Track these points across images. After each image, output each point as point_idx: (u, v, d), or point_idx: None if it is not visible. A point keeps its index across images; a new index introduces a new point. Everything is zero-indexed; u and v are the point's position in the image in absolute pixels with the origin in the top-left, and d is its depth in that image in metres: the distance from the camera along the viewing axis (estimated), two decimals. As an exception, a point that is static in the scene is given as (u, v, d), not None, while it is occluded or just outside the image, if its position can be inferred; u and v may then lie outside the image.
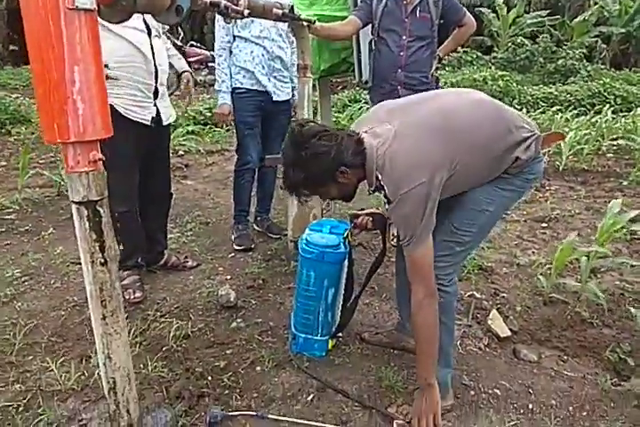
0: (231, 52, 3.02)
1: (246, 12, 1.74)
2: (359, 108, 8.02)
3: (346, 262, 2.02)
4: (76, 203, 1.29)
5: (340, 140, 1.60)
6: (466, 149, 1.60)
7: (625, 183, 4.92)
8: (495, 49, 15.26)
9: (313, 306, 2.02)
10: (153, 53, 2.28)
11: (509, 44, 14.95)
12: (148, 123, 2.34)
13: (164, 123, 2.44)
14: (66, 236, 3.28)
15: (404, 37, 2.90)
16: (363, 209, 2.12)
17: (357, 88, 8.89)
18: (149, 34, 2.28)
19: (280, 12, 2.20)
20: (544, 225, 3.73)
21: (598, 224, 3.53)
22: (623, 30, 16.49)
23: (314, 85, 3.75)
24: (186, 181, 4.81)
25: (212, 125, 7.10)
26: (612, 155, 6.22)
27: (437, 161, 1.56)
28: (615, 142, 6.43)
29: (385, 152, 1.58)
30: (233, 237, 3.21)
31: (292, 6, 2.29)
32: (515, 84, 9.95)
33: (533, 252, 3.23)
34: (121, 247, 2.54)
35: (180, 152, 5.86)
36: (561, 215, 3.92)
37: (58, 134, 1.20)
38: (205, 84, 8.45)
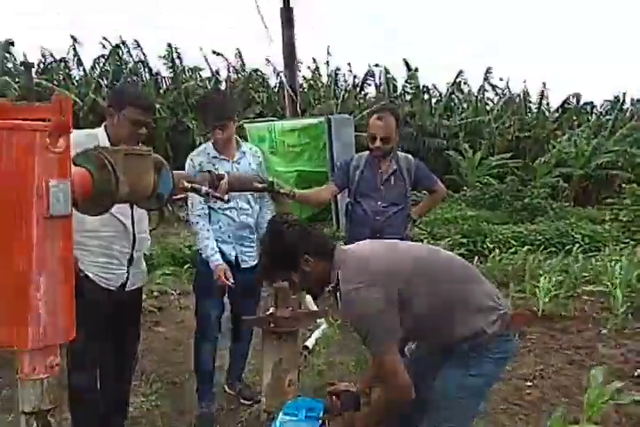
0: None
1: (226, 197, 1.80)
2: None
3: None
4: (25, 413, 1.17)
5: (309, 232, 1.79)
6: (429, 274, 1.69)
7: (604, 331, 4.88)
8: (464, 188, 16.12)
9: None
10: (133, 222, 2.30)
11: (477, 184, 15.86)
12: (115, 289, 2.29)
13: (129, 288, 2.38)
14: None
15: (380, 203, 3.04)
16: (334, 384, 2.02)
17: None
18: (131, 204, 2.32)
19: (260, 186, 2.28)
20: (529, 384, 3.58)
21: (583, 382, 3.41)
22: (581, 171, 17.77)
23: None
24: (157, 327, 4.63)
25: (192, 265, 7.07)
26: (586, 297, 6.27)
27: (397, 269, 1.64)
28: (589, 285, 6.52)
29: (349, 253, 1.73)
30: (197, 412, 2.97)
31: (273, 181, 2.39)
32: (485, 223, 10.33)
33: (521, 418, 3.04)
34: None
35: (156, 293, 5.73)
36: (545, 371, 3.79)
37: (15, 341, 1.13)
38: (187, 221, 8.59)
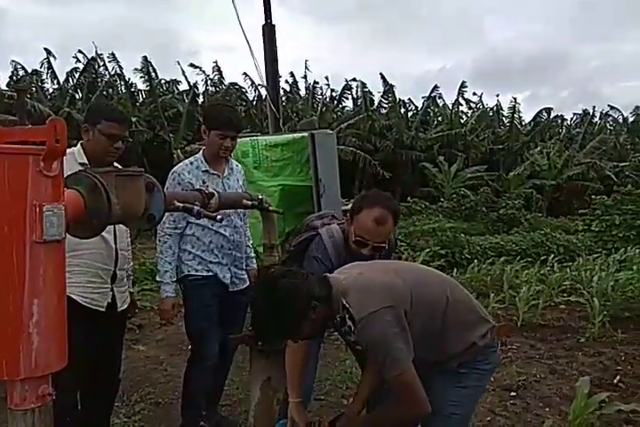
0: (181, 236, 2.74)
1: (219, 216, 1.78)
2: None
3: None
4: (16, 444, 1.14)
5: (306, 276, 1.68)
6: (423, 295, 1.69)
7: (582, 340, 4.96)
8: (441, 199, 16.34)
9: None
10: (115, 238, 2.28)
11: (453, 196, 16.08)
12: (103, 309, 2.25)
13: (119, 309, 2.35)
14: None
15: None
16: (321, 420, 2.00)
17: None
18: None
19: (249, 203, 2.26)
20: (513, 394, 3.61)
21: (565, 390, 3.44)
22: (554, 182, 18.19)
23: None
24: (137, 346, 4.55)
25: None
26: (564, 306, 6.38)
27: (400, 291, 1.65)
28: (566, 294, 6.64)
29: (349, 281, 1.68)
30: None
31: (262, 199, 2.33)
32: (462, 235, 10.47)
33: (507, 429, 3.07)
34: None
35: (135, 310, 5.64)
36: (528, 381, 3.83)
37: (5, 371, 1.10)
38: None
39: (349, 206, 2.43)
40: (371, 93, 21.02)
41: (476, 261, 8.67)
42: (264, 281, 1.68)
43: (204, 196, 1.95)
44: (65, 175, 1.23)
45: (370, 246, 2.16)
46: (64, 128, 1.19)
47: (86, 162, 2.27)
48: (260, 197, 2.40)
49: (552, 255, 9.11)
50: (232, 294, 2.83)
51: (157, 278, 2.75)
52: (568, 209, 17.80)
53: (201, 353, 2.76)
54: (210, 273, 2.76)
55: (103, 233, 2.18)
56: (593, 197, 12.53)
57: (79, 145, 2.31)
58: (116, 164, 2.43)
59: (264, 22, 4.97)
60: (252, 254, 3.07)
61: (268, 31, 4.98)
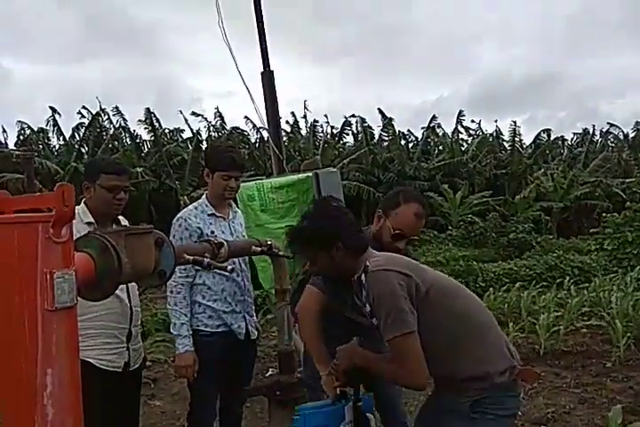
0: (191, 286, 2.64)
1: (229, 267, 1.78)
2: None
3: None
4: None
5: (352, 225, 1.85)
6: (447, 290, 1.77)
7: (609, 365, 4.84)
8: (449, 227, 16.28)
9: None
10: (129, 295, 2.27)
11: (461, 223, 16.03)
12: (120, 370, 2.22)
13: (133, 367, 2.31)
14: None
15: None
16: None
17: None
18: None
19: (259, 249, 2.24)
20: (543, 428, 3.50)
21: (597, 420, 3.33)
22: (561, 203, 18.12)
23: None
24: (153, 401, 4.46)
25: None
26: (586, 330, 6.24)
27: (423, 273, 1.74)
28: (586, 318, 6.52)
29: (381, 254, 1.81)
30: None
31: (271, 245, 2.30)
32: (475, 263, 10.38)
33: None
34: None
35: (148, 363, 5.56)
36: (557, 413, 3.72)
37: (21, 445, 1.08)
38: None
39: (381, 204, 2.57)
40: (370, 128, 21.33)
41: (491, 288, 8.56)
42: (323, 205, 1.89)
43: (213, 246, 1.95)
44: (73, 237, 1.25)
45: (406, 239, 2.32)
46: (72, 193, 1.21)
47: (92, 220, 2.28)
48: (269, 242, 2.37)
49: (567, 278, 8.99)
50: (244, 342, 2.75)
51: (174, 332, 2.63)
52: (578, 229, 17.67)
53: (201, 414, 2.66)
54: (219, 329, 2.67)
55: (117, 291, 2.18)
56: (603, 215, 12.45)
57: (82, 204, 2.33)
58: (121, 218, 2.46)
59: (263, 70, 5.10)
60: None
61: (267, 78, 5.10)
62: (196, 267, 2.65)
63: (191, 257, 1.72)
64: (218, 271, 2.61)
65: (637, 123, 24.44)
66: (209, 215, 2.75)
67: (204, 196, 2.86)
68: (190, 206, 2.82)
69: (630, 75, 43.01)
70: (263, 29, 5.16)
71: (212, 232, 2.65)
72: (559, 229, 18.04)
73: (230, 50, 4.94)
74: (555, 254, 10.68)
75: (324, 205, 1.91)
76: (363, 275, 1.74)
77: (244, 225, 3.08)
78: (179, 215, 2.75)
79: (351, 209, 2.67)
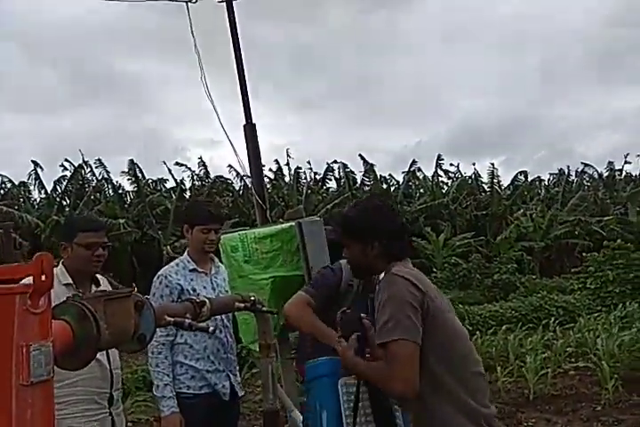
0: (173, 346, 2.60)
1: (211, 328, 1.78)
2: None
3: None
4: None
5: (399, 232, 1.86)
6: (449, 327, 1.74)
7: (598, 408, 4.80)
8: (434, 269, 16.31)
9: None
10: (108, 358, 2.23)
11: (445, 265, 16.08)
12: None
13: None
14: None
15: None
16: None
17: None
18: None
19: (242, 305, 2.23)
20: (536, 478, 3.43)
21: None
22: (542, 243, 18.34)
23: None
24: (136, 463, 4.29)
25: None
26: (574, 372, 6.21)
27: (432, 291, 1.73)
28: (574, 359, 6.50)
29: (410, 268, 1.80)
30: None
31: (254, 300, 2.29)
32: (461, 305, 10.36)
33: None
34: None
35: (129, 424, 5.36)
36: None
37: None
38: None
39: None
40: (352, 173, 21.69)
41: (478, 332, 8.52)
42: (380, 202, 1.92)
43: (195, 305, 1.94)
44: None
45: None
46: (51, 262, 1.22)
47: (70, 281, 2.26)
48: (252, 297, 2.37)
49: (553, 318, 9.00)
50: (228, 402, 2.69)
51: (157, 394, 2.55)
52: (560, 268, 17.81)
53: None
54: (202, 390, 2.62)
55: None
56: (584, 254, 12.61)
57: (60, 265, 2.31)
58: (100, 277, 2.44)
59: (245, 122, 5.24)
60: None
61: (250, 130, 5.24)
62: (178, 327, 2.66)
63: (172, 319, 1.72)
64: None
65: (610, 163, 25.22)
66: (190, 271, 2.75)
67: (185, 252, 2.87)
68: (172, 263, 2.82)
69: (600, 116, 44.75)
70: (245, 83, 5.34)
71: (194, 290, 2.64)
72: (542, 268, 18.18)
73: (213, 105, 5.08)
74: (539, 295, 10.73)
75: (377, 203, 1.92)
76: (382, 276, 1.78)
77: (228, 279, 3.08)
78: (159, 273, 2.74)
79: (337, 256, 2.72)
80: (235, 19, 5.02)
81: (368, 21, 43.74)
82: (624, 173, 25.61)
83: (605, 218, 19.70)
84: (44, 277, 1.19)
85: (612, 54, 47.49)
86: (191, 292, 2.59)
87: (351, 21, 42.58)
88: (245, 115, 5.24)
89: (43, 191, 17.38)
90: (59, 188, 17.14)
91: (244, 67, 5.19)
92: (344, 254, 2.00)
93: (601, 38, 47.74)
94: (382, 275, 1.79)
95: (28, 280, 1.18)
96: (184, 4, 4.92)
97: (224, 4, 4.98)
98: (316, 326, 2.25)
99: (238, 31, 5.06)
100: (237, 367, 2.89)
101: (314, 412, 1.98)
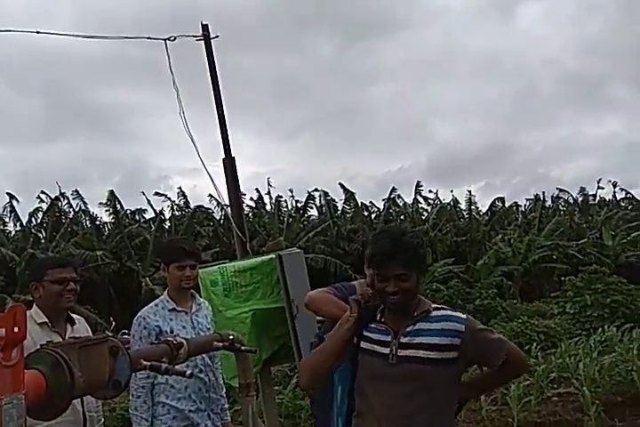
0: (154, 386, 2.61)
1: (188, 372, 1.76)
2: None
3: None
4: None
5: None
6: None
7: (583, 437, 4.79)
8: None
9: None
10: (82, 400, 2.18)
11: (427, 291, 16.13)
12: None
13: None
14: None
15: None
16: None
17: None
18: None
19: (221, 344, 2.22)
20: None
21: None
22: (521, 267, 18.55)
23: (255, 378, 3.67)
24: None
25: None
26: (557, 399, 6.21)
27: None
28: (556, 385, 6.51)
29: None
30: None
31: (233, 339, 2.29)
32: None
33: None
34: None
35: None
36: None
37: None
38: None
39: None
40: (334, 201, 21.84)
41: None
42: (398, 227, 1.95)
43: (172, 347, 1.93)
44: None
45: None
46: (24, 314, 1.23)
47: (45, 320, 2.28)
48: (231, 336, 2.36)
49: (534, 344, 9.04)
50: None
51: None
52: (540, 292, 17.99)
53: None
54: None
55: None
56: (562, 278, 12.76)
57: (34, 306, 2.33)
58: (75, 316, 2.44)
59: (224, 156, 5.26)
60: (226, 405, 2.94)
61: (229, 164, 5.25)
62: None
63: (148, 363, 1.71)
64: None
65: (582, 188, 25.82)
66: (169, 311, 2.75)
67: (165, 292, 2.88)
68: (151, 304, 2.84)
69: (575, 142, 46.14)
70: (224, 119, 5.38)
71: (172, 330, 2.63)
72: (522, 292, 18.32)
73: (193, 141, 5.10)
74: (520, 320, 10.78)
75: (405, 230, 2.00)
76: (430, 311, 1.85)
77: (211, 316, 3.07)
78: (138, 314, 2.75)
79: (319, 284, 2.79)
80: (213, 56, 5.10)
81: (349, 51, 44.85)
82: (598, 198, 26.25)
83: (581, 242, 20.04)
84: (16, 329, 1.19)
85: (587, 82, 49.24)
86: (168, 333, 2.57)
87: (333, 51, 43.60)
88: (224, 149, 5.27)
89: (18, 224, 17.13)
90: (34, 220, 16.93)
91: (223, 102, 5.24)
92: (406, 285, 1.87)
93: (575, 67, 49.56)
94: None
95: (0, 331, 1.18)
96: (162, 41, 4.98)
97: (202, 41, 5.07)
98: (333, 299, 2.37)
99: (217, 67, 5.14)
100: (225, 405, 2.88)
101: (331, 384, 2.03)
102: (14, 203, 17.04)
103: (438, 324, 1.83)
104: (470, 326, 1.84)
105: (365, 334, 1.89)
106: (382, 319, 1.88)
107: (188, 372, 1.75)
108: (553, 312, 11.94)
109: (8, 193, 17.16)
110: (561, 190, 25.58)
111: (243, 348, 2.38)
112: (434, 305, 1.90)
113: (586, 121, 50.52)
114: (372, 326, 1.90)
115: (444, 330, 1.81)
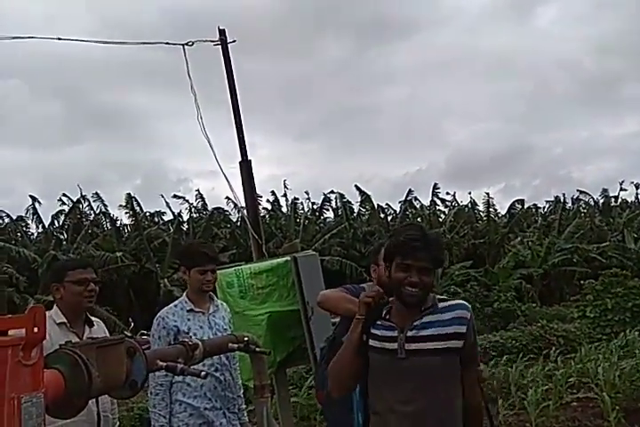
0: (172, 384, 2.69)
1: (203, 373, 1.79)
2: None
3: None
4: None
5: None
6: None
7: (602, 442, 4.72)
8: (434, 299, 16.24)
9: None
10: (97, 400, 2.22)
11: (445, 295, 16.01)
12: None
13: None
14: None
15: None
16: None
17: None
18: None
19: (235, 346, 2.25)
20: None
21: None
22: (540, 270, 18.30)
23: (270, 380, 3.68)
24: None
25: None
26: (576, 404, 6.13)
27: None
28: (575, 390, 6.42)
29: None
30: None
31: (248, 341, 2.32)
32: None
33: None
34: None
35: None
36: None
37: None
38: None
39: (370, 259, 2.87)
40: (350, 203, 21.79)
41: (481, 363, 8.42)
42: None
43: (187, 348, 1.96)
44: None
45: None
46: (43, 315, 1.26)
47: (64, 320, 2.34)
48: (246, 338, 2.38)
49: (553, 348, 8.92)
50: None
51: None
52: (560, 296, 17.75)
53: None
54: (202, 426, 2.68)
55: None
56: (582, 282, 12.58)
57: (54, 307, 2.38)
58: (94, 319, 2.49)
59: (240, 160, 5.32)
60: (243, 406, 2.99)
61: (246, 167, 5.31)
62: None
63: (164, 364, 1.73)
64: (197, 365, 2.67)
65: (604, 190, 25.40)
66: (187, 311, 2.84)
67: (184, 293, 2.97)
68: (171, 304, 2.93)
69: (594, 143, 45.43)
70: (240, 122, 5.45)
71: (189, 329, 2.68)
72: (541, 296, 18.09)
73: (210, 145, 5.16)
74: (539, 324, 10.65)
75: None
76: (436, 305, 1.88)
77: (229, 317, 3.12)
78: (158, 314, 2.84)
79: (335, 286, 2.89)
80: (230, 61, 5.16)
81: (364, 53, 44.79)
82: (620, 200, 25.80)
83: (603, 245, 19.72)
84: (36, 330, 1.22)
85: (604, 82, 48.44)
86: (185, 333, 2.63)
87: (348, 53, 43.57)
88: (241, 152, 5.33)
89: (40, 226, 17.43)
90: (56, 222, 17.22)
91: (240, 105, 5.31)
92: (414, 278, 1.83)
93: (592, 67, 48.82)
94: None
95: (20, 332, 1.21)
96: (180, 46, 5.06)
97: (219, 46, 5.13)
98: (347, 296, 2.45)
99: (234, 72, 5.20)
100: (243, 405, 2.94)
101: None
102: (37, 205, 17.38)
103: (449, 313, 1.86)
104: (471, 313, 1.90)
105: (373, 331, 1.91)
106: (387, 316, 1.90)
107: (203, 373, 1.77)
108: (573, 316, 11.76)
109: (31, 196, 17.49)
110: (581, 192, 25.25)
111: (257, 349, 2.41)
112: (438, 297, 1.93)
113: (605, 122, 49.71)
114: (379, 323, 1.91)
115: (454, 319, 1.85)
